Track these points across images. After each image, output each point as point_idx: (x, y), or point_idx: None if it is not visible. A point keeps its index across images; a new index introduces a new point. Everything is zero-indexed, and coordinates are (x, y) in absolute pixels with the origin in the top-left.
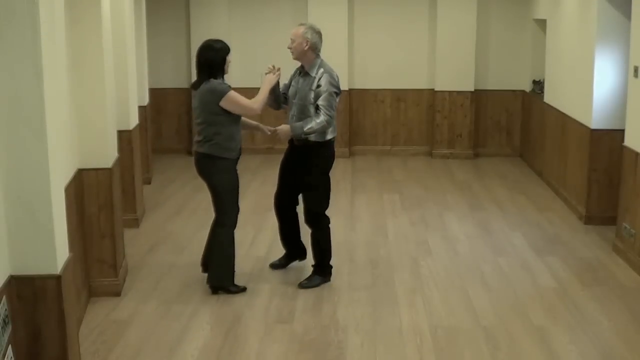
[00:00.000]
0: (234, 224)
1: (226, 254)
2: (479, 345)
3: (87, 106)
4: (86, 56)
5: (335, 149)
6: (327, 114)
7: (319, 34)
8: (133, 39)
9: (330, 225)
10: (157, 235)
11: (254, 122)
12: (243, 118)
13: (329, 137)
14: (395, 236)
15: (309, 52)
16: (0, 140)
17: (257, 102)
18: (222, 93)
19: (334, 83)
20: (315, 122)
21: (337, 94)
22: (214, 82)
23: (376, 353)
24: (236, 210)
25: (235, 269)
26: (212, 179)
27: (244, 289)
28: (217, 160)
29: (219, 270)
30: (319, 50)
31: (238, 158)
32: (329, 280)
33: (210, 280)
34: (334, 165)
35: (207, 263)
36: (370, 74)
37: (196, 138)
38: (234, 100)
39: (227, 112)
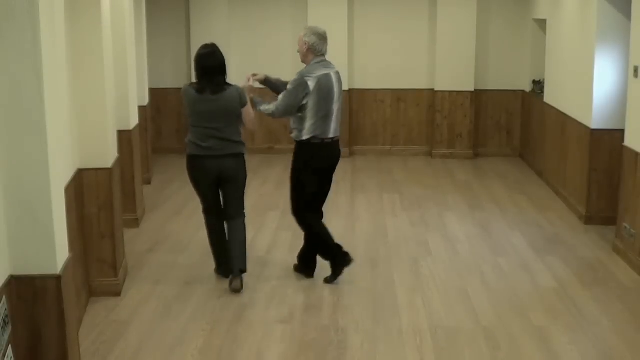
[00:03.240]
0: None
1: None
2: (479, 345)
3: (87, 106)
4: (86, 56)
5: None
6: (277, 105)
7: (318, 35)
8: (133, 39)
9: (315, 225)
10: (157, 235)
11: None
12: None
13: (304, 137)
14: (395, 236)
15: (309, 54)
16: (0, 140)
17: (254, 122)
18: (247, 99)
19: (299, 82)
20: (268, 106)
21: (305, 93)
22: (239, 86)
23: (376, 353)
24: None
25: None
26: (241, 175)
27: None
28: (244, 157)
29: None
30: (320, 52)
31: None
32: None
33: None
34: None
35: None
36: (370, 74)
37: (213, 143)
38: (249, 110)
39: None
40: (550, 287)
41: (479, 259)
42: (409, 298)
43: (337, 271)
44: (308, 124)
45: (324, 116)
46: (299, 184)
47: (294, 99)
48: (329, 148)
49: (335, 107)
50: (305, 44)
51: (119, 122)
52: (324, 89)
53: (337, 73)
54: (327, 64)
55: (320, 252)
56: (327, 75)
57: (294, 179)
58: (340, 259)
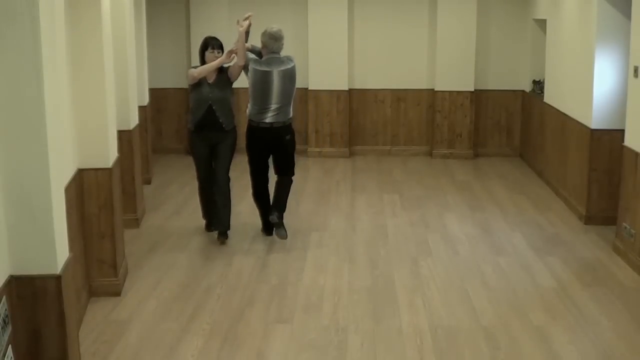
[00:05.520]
0: (198, 181)
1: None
2: (479, 345)
3: (87, 106)
4: (86, 56)
5: (336, 149)
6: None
7: (269, 35)
8: (133, 39)
9: (254, 192)
10: (157, 235)
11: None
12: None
13: (247, 116)
14: (395, 236)
15: (263, 51)
16: (0, 140)
17: (194, 70)
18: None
19: (251, 63)
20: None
21: (248, 70)
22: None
23: (376, 353)
24: (197, 171)
25: (233, 259)
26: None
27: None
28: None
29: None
30: (271, 49)
31: (200, 132)
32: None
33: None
34: (333, 165)
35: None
36: (370, 74)
37: None
38: (188, 75)
39: (191, 91)
40: (550, 287)
41: (479, 259)
42: (409, 298)
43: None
44: (249, 107)
45: (259, 107)
46: (248, 154)
47: (248, 67)
48: (264, 131)
49: (275, 99)
50: (261, 42)
51: (119, 122)
52: (258, 85)
53: (287, 69)
54: (274, 61)
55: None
56: (265, 73)
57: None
58: (263, 225)
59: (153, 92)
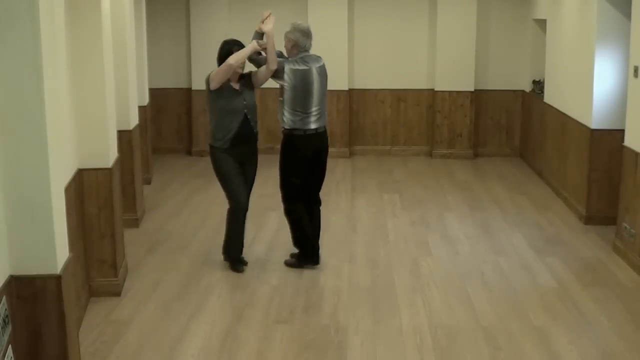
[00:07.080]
0: (234, 208)
1: (227, 230)
2: (479, 345)
3: (87, 106)
4: (86, 56)
5: (336, 149)
6: (277, 60)
7: (301, 31)
8: (133, 39)
9: (298, 217)
10: (157, 235)
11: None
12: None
13: (287, 127)
14: (395, 236)
15: (293, 50)
16: (0, 140)
17: (232, 58)
18: (207, 79)
19: (281, 64)
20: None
21: (285, 72)
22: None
23: (376, 353)
24: (234, 195)
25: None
26: (212, 166)
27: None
28: (211, 148)
29: (224, 244)
30: (304, 47)
31: (233, 147)
32: (303, 265)
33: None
34: (333, 165)
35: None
36: (370, 74)
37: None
38: (216, 73)
39: (215, 102)
40: (550, 287)
41: (479, 259)
42: (409, 298)
43: (300, 262)
44: (287, 115)
45: (302, 112)
46: (285, 174)
47: (284, 70)
48: (312, 139)
49: (316, 101)
50: (290, 40)
51: (119, 122)
52: (299, 86)
53: (321, 67)
54: (310, 59)
55: (295, 238)
56: (306, 72)
57: (281, 168)
58: (308, 257)
59: (153, 92)
